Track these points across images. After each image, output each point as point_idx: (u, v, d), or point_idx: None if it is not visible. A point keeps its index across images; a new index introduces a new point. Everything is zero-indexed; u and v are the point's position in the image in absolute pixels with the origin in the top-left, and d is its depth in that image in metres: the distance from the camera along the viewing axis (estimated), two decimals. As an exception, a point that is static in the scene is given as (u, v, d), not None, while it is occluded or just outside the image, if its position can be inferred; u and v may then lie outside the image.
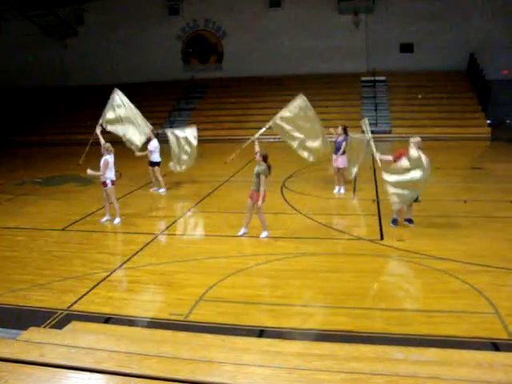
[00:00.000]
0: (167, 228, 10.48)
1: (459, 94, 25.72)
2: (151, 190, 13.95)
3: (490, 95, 24.02)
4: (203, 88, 29.91)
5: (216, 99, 28.33)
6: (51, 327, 6.20)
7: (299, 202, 12.17)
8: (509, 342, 5.65)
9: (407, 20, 26.93)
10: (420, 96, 25.08)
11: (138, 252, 9.11)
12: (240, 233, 9.77)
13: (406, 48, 27.94)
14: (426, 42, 26.99)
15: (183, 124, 26.31)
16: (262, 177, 9.15)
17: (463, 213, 10.53)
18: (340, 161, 12.66)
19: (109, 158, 10.66)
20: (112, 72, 29.98)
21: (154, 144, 13.44)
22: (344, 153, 12.62)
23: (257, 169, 9.26)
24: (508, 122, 27.02)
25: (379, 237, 9.52)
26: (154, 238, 9.92)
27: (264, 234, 9.61)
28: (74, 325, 5.75)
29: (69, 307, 6.91)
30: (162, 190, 13.76)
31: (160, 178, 13.70)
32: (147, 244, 9.56)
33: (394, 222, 9.98)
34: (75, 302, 7.06)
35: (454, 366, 4.20)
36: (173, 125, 26.07)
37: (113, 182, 10.76)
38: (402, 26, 27.15)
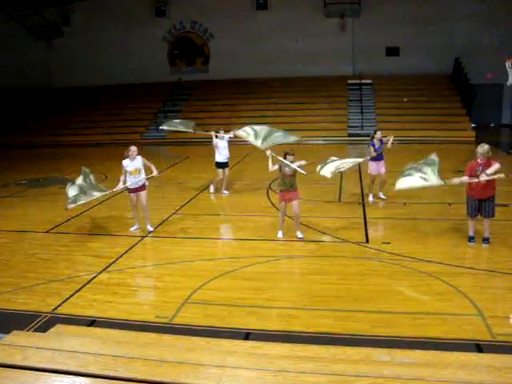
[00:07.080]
0: (153, 230, 10.42)
1: (444, 97, 25.91)
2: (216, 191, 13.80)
3: (474, 99, 24.24)
4: (189, 90, 29.84)
5: (202, 101, 28.26)
6: (35, 330, 6.15)
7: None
8: (492, 344, 5.70)
9: (393, 24, 27.10)
10: (405, 99, 25.24)
11: (123, 254, 9.07)
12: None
13: (392, 51, 28.13)
14: (411, 45, 27.20)
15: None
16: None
17: (448, 216, 10.60)
18: (383, 165, 12.15)
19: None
20: (98, 74, 29.80)
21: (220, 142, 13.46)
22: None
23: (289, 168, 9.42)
24: (492, 125, 27.33)
25: (365, 239, 9.57)
26: (140, 241, 9.87)
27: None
28: (58, 328, 5.70)
29: (53, 310, 6.86)
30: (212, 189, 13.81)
31: (217, 179, 13.61)
32: (132, 246, 9.52)
33: (472, 239, 9.13)
34: (59, 305, 7.01)
35: (438, 367, 4.23)
36: (158, 126, 26.01)
37: (129, 190, 10.23)
38: (388, 29, 27.33)
